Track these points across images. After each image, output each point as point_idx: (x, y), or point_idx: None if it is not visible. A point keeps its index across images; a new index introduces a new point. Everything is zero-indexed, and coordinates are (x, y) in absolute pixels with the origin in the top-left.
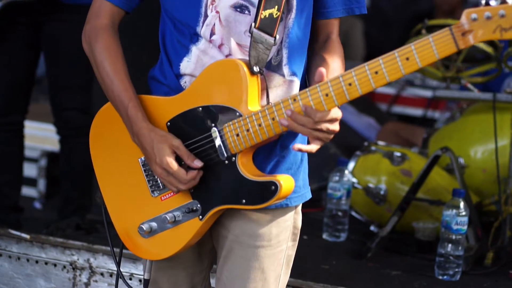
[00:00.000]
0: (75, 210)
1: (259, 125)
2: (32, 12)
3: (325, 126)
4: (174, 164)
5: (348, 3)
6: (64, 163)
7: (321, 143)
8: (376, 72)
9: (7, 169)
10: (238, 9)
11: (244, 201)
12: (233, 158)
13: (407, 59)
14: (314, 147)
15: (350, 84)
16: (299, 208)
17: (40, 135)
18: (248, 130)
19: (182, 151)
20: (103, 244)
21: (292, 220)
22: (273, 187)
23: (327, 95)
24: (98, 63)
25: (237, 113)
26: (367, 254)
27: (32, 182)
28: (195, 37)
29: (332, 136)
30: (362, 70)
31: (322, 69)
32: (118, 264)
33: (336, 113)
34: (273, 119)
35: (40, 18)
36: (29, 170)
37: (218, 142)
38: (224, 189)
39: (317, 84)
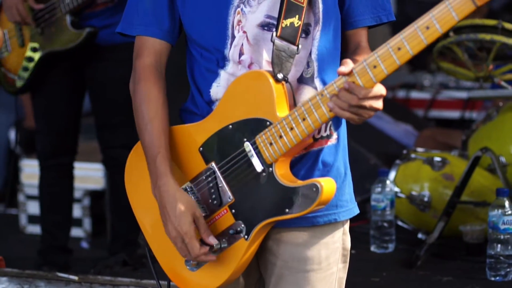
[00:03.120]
0: (124, 245)
1: (291, 128)
2: (72, 57)
3: (368, 103)
4: (192, 235)
5: (375, 11)
6: (111, 200)
7: (362, 121)
8: (428, 27)
9: (56, 209)
10: (266, 28)
11: (287, 210)
12: (270, 168)
13: None
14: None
15: (399, 49)
16: (347, 228)
17: (81, 175)
18: (280, 137)
19: (202, 224)
20: (151, 278)
21: (341, 241)
22: (314, 189)
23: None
24: (136, 106)
25: (267, 122)
26: (416, 263)
27: (77, 222)
28: (222, 62)
29: (373, 113)
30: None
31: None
32: None
33: (380, 89)
34: (303, 119)
35: (81, 61)
36: (74, 210)
37: (252, 155)
38: (265, 202)
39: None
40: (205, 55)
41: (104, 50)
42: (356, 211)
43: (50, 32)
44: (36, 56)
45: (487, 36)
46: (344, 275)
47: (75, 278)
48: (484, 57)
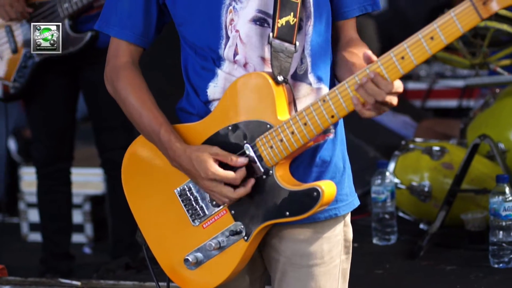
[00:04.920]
0: (126, 248)
1: (292, 133)
2: (68, 60)
3: (389, 98)
4: (219, 170)
5: (362, 1)
6: (111, 203)
7: (377, 115)
8: (432, 38)
9: (56, 216)
10: (258, 23)
11: (287, 213)
12: (270, 171)
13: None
14: (372, 115)
15: (402, 58)
16: (348, 219)
17: (81, 180)
18: (281, 140)
19: (222, 154)
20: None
21: (342, 233)
22: (315, 193)
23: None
24: (123, 100)
25: (268, 125)
26: (419, 253)
27: (79, 228)
28: (218, 61)
29: (387, 110)
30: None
31: (368, 51)
32: None
33: (400, 85)
34: (305, 124)
35: (77, 65)
36: (75, 216)
37: (252, 157)
38: (266, 205)
39: (355, 74)
40: (199, 53)
41: (100, 53)
42: (357, 203)
43: None
44: (32, 61)
45: (481, 23)
46: (347, 266)
47: (78, 283)
48: (479, 43)
